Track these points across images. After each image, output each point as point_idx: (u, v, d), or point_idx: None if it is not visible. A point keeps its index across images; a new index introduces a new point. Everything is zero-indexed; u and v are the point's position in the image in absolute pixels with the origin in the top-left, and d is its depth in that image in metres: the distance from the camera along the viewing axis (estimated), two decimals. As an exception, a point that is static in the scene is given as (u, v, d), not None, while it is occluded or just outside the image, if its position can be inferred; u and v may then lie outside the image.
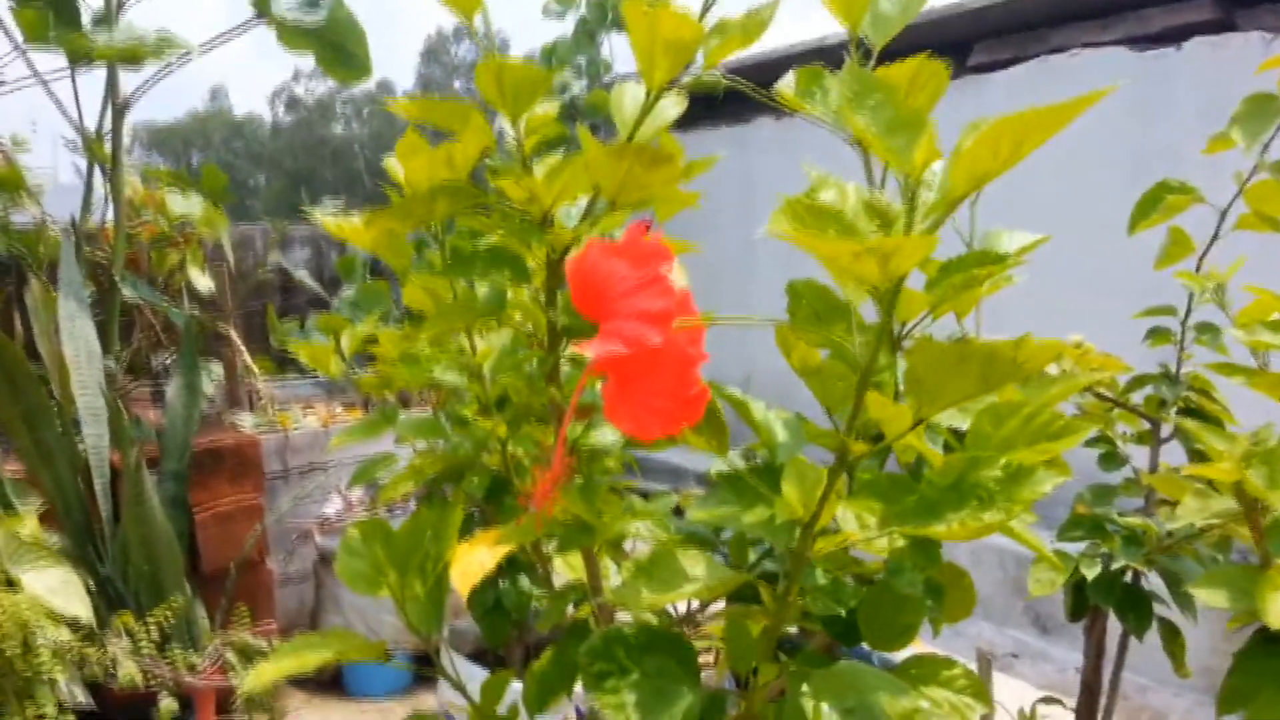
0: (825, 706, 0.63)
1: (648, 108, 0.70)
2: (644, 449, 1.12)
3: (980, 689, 0.81)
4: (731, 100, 4.01)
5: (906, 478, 0.68)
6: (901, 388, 0.80)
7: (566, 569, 0.96)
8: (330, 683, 2.33)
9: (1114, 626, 1.25)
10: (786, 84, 0.74)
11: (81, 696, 1.62)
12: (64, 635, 1.59)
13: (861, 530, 0.65)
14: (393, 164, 0.92)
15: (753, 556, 0.81)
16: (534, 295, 0.77)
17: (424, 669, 2.09)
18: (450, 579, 0.88)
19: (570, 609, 0.94)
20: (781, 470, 0.76)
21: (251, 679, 0.81)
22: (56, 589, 1.65)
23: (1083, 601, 1.21)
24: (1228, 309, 1.01)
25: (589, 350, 0.55)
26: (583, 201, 0.77)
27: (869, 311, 0.71)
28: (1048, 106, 0.47)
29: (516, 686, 0.98)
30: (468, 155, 0.79)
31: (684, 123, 0.84)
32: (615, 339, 0.55)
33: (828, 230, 0.48)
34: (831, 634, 0.84)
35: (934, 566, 0.67)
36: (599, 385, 0.86)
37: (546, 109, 0.76)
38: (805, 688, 0.64)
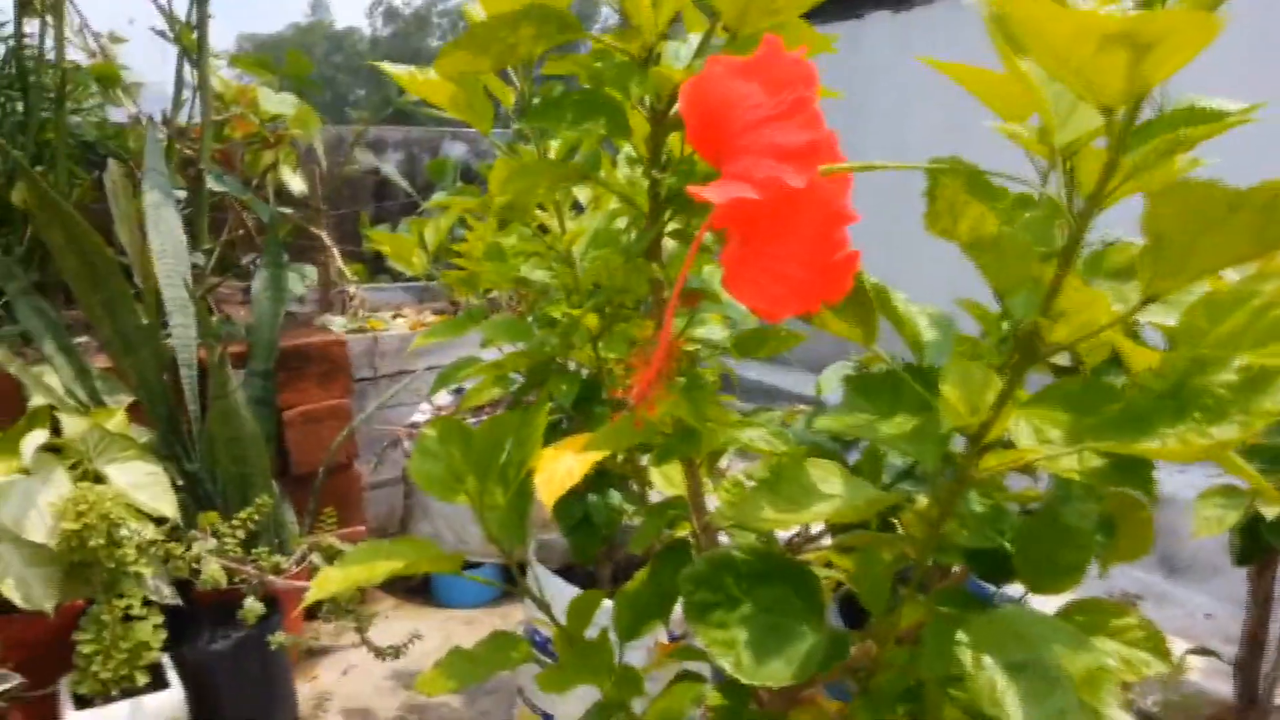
0: (988, 659, 0.50)
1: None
2: (758, 355, 0.99)
3: (1160, 642, 0.68)
4: (841, -3, 3.73)
5: (1105, 382, 0.54)
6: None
7: (664, 483, 0.85)
8: (419, 589, 2.30)
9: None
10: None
11: (168, 592, 1.60)
12: (149, 531, 1.57)
13: (1042, 445, 0.51)
14: (471, 7, 0.80)
15: (886, 478, 0.68)
16: (634, 154, 0.64)
17: (510, 584, 2.02)
18: (534, 487, 0.79)
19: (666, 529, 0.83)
20: (930, 373, 0.62)
21: (317, 587, 0.73)
22: (142, 484, 1.63)
23: (1255, 544, 1.05)
24: None
25: (709, 194, 0.42)
26: (695, 41, 0.64)
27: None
28: None
29: (608, 606, 0.88)
30: (563, -13, 0.66)
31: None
32: (743, 181, 0.42)
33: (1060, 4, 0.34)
34: (977, 571, 0.71)
35: (1147, 490, 0.53)
36: (709, 262, 0.73)
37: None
38: (963, 636, 0.52)
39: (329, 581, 0.72)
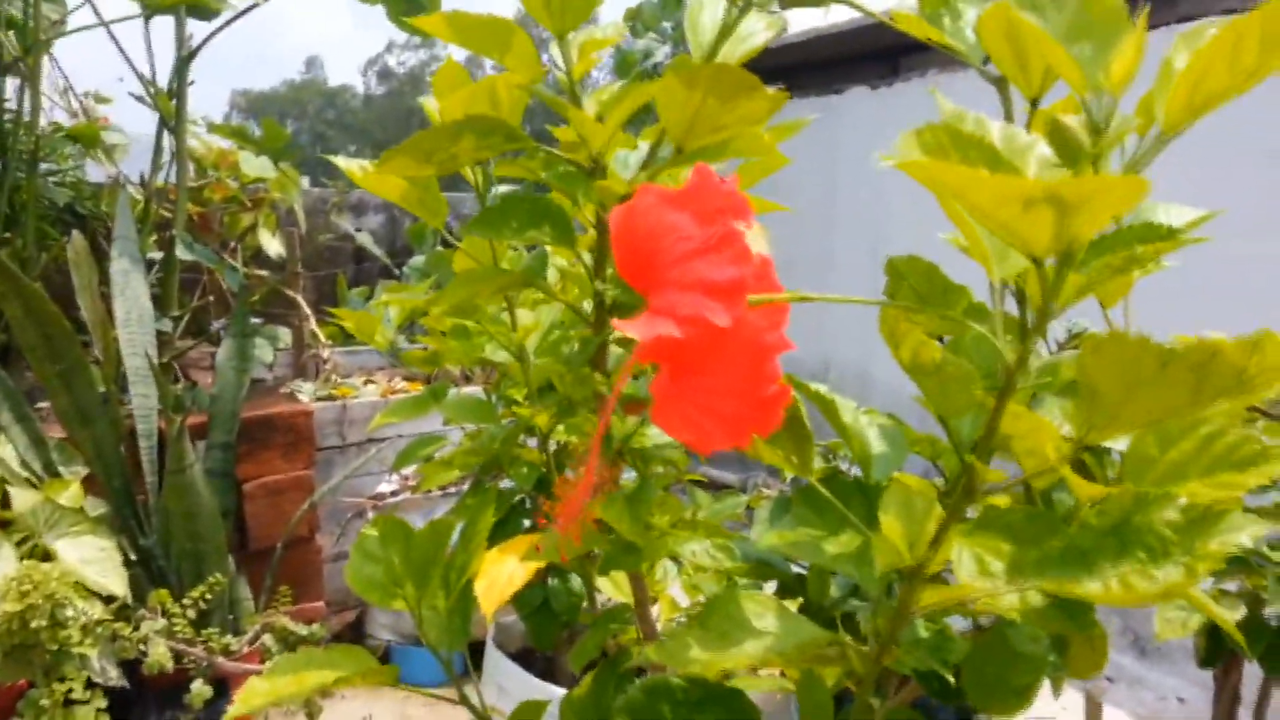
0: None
1: (730, 25, 0.55)
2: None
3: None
4: (821, 69, 3.78)
5: (1046, 513, 0.52)
6: (1034, 402, 0.65)
7: (612, 589, 0.83)
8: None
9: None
10: (907, 7, 0.59)
11: (114, 674, 1.54)
12: (96, 610, 1.52)
13: (983, 579, 0.49)
14: (429, 104, 0.79)
15: (835, 590, 0.66)
16: (581, 261, 0.63)
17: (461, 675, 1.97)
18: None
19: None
20: (877, 489, 0.61)
21: (241, 701, 0.70)
22: (92, 560, 1.58)
23: (1218, 646, 1.03)
24: None
25: (632, 330, 0.40)
26: (645, 149, 0.63)
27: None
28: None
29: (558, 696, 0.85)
30: (514, 93, 0.65)
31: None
32: (668, 316, 0.41)
33: (977, 167, 0.33)
34: (927, 689, 0.69)
35: (1084, 631, 0.52)
36: (649, 377, 0.72)
37: (606, 32, 0.62)
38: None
39: (254, 695, 0.69)
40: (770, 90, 0.50)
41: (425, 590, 0.75)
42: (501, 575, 0.75)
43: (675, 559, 1.12)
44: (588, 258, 0.62)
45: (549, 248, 0.79)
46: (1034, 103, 0.54)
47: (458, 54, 0.77)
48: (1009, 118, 0.58)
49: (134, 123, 2.83)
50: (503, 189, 0.91)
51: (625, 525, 0.61)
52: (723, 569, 0.63)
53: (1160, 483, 0.53)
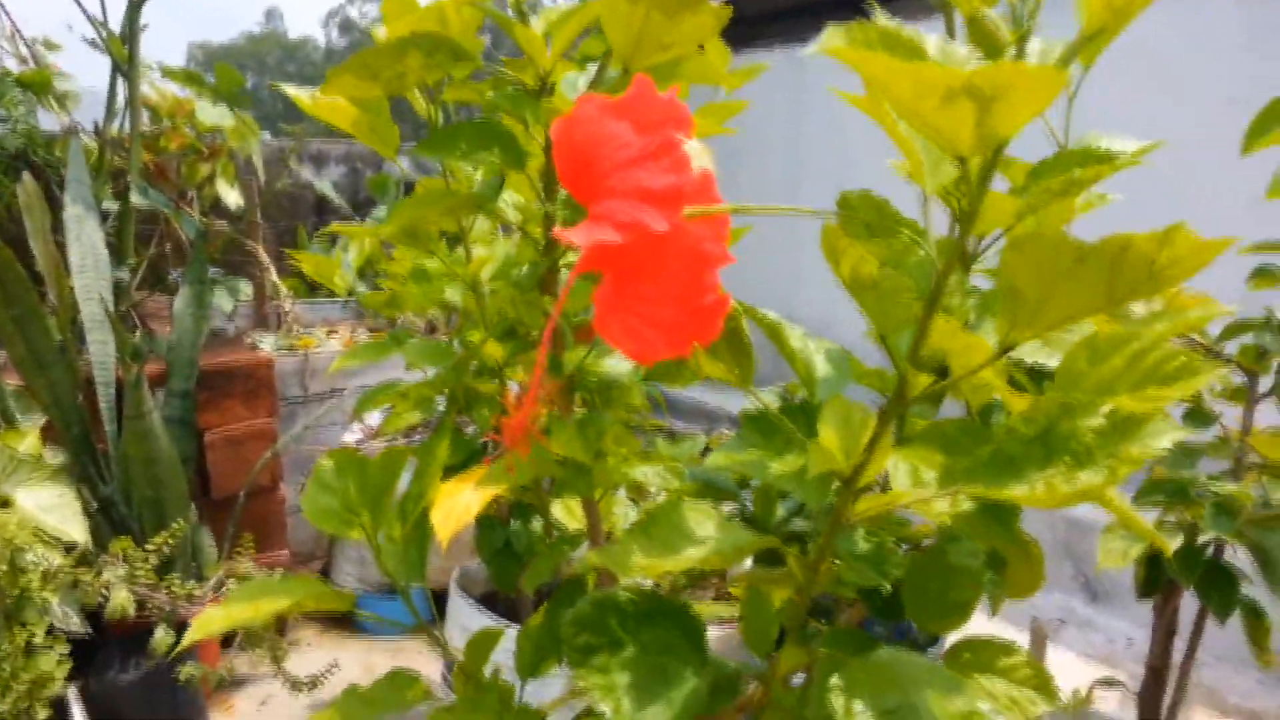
0: (859, 705, 0.50)
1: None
2: (665, 383, 0.99)
3: (1045, 681, 0.68)
4: (788, 17, 3.76)
5: (978, 425, 0.54)
6: (973, 318, 0.66)
7: (566, 516, 0.84)
8: (344, 618, 2.25)
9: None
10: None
11: (77, 621, 1.54)
12: (57, 557, 1.51)
13: (916, 488, 0.51)
14: (378, 32, 0.78)
15: (781, 512, 0.68)
16: (530, 183, 0.63)
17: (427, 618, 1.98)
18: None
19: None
20: (820, 410, 0.62)
21: (198, 626, 0.70)
22: (50, 507, 1.57)
23: (1157, 576, 1.06)
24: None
25: (572, 237, 0.41)
26: (593, 70, 0.63)
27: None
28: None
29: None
30: (465, 16, 0.65)
31: (732, 41, 0.69)
32: (607, 223, 0.41)
33: (905, 59, 0.33)
34: (870, 608, 0.71)
35: (1009, 538, 0.53)
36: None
37: (550, -47, 0.62)
38: (835, 680, 0.51)
39: (210, 621, 0.70)
40: (714, 4, 0.50)
41: (381, 518, 0.76)
42: (457, 504, 0.76)
43: (633, 499, 1.14)
44: (538, 182, 0.62)
45: (508, 183, 0.79)
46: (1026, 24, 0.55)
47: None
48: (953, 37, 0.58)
49: (87, 74, 2.75)
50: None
51: (576, 449, 0.63)
52: (672, 489, 0.64)
53: (1090, 396, 0.55)
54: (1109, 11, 0.35)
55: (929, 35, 0.44)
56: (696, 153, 0.47)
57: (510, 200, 0.81)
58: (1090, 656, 2.15)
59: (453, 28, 0.64)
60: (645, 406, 1.20)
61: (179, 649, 1.48)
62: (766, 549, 0.69)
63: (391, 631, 2.15)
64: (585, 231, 0.42)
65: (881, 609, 0.70)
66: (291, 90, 0.77)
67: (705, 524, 0.52)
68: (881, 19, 0.48)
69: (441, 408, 1.23)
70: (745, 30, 3.85)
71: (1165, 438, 0.47)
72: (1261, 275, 1.09)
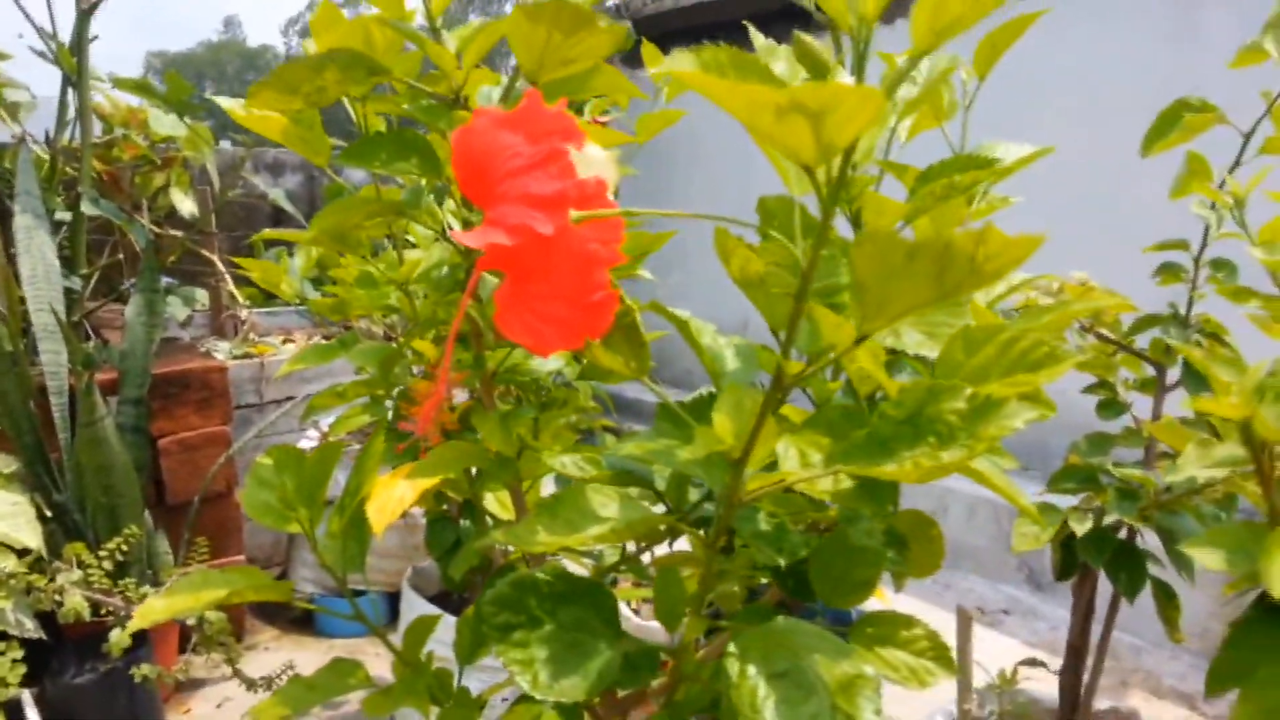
0: (751, 669, 0.54)
1: (574, -34, 0.59)
2: (605, 380, 1.03)
3: (944, 653, 0.73)
4: (701, 35, 3.82)
5: (861, 410, 0.58)
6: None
7: (499, 508, 0.88)
8: (303, 620, 2.27)
9: (1105, 586, 1.17)
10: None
11: (30, 625, 1.55)
12: (10, 563, 1.52)
13: (803, 468, 0.55)
14: (308, 46, 0.82)
15: (694, 497, 0.72)
16: (448, 191, 0.67)
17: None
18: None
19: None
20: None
21: (139, 616, 0.73)
22: (3, 514, 1.58)
23: (1072, 559, 1.12)
24: (1247, 228, 0.91)
25: (468, 240, 0.45)
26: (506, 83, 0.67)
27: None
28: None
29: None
30: (387, 35, 0.69)
31: (633, 62, 0.74)
32: (499, 226, 0.45)
33: (747, 80, 0.38)
34: (782, 588, 0.75)
35: (885, 513, 0.58)
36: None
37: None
38: (732, 647, 0.56)
39: (152, 611, 0.73)
40: (607, 24, 0.54)
41: (317, 511, 0.79)
42: (392, 497, 0.79)
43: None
44: (454, 188, 0.66)
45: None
46: (860, 44, 0.59)
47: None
48: (841, 60, 0.63)
49: (41, 82, 2.75)
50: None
51: (496, 439, 0.66)
52: (589, 477, 0.68)
53: (964, 382, 0.60)
54: (931, 34, 0.40)
55: (782, 56, 0.49)
56: (590, 161, 0.51)
57: (449, 207, 0.85)
58: (1033, 644, 2.21)
59: (377, 43, 0.68)
60: (594, 408, 1.24)
61: (124, 637, 1.50)
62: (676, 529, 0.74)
63: (350, 633, 2.17)
64: (479, 234, 0.45)
65: (795, 590, 0.75)
66: (225, 102, 0.80)
67: (609, 504, 0.56)
68: (759, 39, 0.52)
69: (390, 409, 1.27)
70: (683, 44, 3.93)
71: (1019, 418, 0.51)
72: (1166, 271, 1.15)
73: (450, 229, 0.65)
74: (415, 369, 1.07)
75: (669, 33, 3.89)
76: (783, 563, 0.62)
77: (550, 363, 0.84)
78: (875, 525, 0.68)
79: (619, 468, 0.71)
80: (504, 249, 0.46)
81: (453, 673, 0.87)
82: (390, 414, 1.24)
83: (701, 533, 0.63)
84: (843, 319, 0.51)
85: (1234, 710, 0.50)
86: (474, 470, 0.89)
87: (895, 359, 0.70)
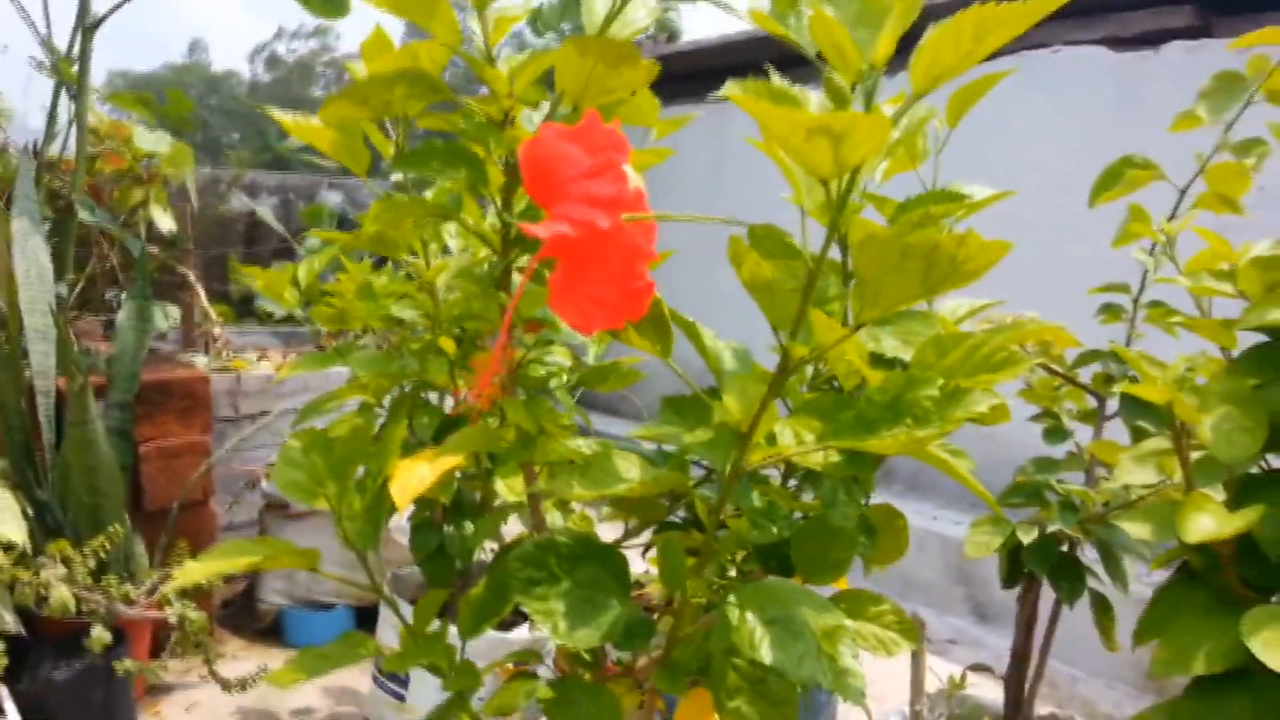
0: (750, 615, 0.63)
1: (616, 10, 0.69)
2: (596, 386, 1.11)
3: (908, 625, 0.82)
4: (715, 77, 3.99)
5: (847, 397, 0.68)
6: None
7: (508, 492, 0.96)
8: (270, 631, 2.30)
9: (1046, 604, 1.27)
10: (763, 8, 0.74)
11: (10, 620, 1.58)
12: (-5, 555, 1.56)
13: (798, 445, 0.65)
14: (356, 67, 0.91)
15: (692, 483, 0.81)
16: (490, 199, 0.76)
17: (363, 619, 2.06)
18: (389, 496, 0.88)
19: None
20: (724, 388, 0.76)
21: (181, 576, 0.80)
22: (-11, 507, 1.62)
23: (1017, 568, 1.22)
24: (1178, 262, 1.03)
25: (537, 230, 0.54)
26: (546, 107, 0.77)
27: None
28: (1013, 3, 0.47)
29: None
30: (435, 56, 0.78)
31: (663, 95, 0.84)
32: (563, 220, 0.54)
33: (780, 106, 0.47)
34: (765, 567, 0.84)
35: (868, 480, 0.68)
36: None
37: (516, 7, 0.76)
38: (733, 599, 0.64)
39: (192, 572, 0.79)
40: (646, 61, 0.64)
41: (346, 487, 0.86)
42: (413, 477, 0.87)
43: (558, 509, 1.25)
44: (498, 196, 0.75)
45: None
46: (852, 86, 0.70)
47: (354, 38, 0.89)
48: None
49: (16, 99, 2.79)
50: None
51: (522, 417, 0.75)
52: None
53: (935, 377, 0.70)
54: (928, 79, 0.50)
55: (813, 93, 0.59)
56: (631, 174, 0.60)
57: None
58: (977, 671, 2.31)
59: (425, 66, 0.78)
60: (580, 411, 1.33)
61: (104, 634, 1.54)
62: (681, 515, 0.82)
63: (317, 643, 2.20)
64: (546, 227, 0.55)
65: (777, 568, 0.84)
66: (278, 114, 0.88)
67: (631, 467, 0.65)
68: (775, 78, 0.62)
69: (381, 420, 1.34)
70: (675, 86, 4.08)
71: (983, 403, 0.61)
72: (1108, 311, 1.28)
73: (505, 227, 0.74)
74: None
75: (678, 74, 4.05)
76: (776, 531, 0.71)
77: (561, 360, 0.92)
78: (852, 510, 0.78)
79: (629, 449, 0.80)
80: (564, 241, 0.55)
81: (456, 647, 0.94)
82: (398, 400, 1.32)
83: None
84: (833, 322, 0.61)
85: (1155, 653, 0.60)
86: (483, 462, 0.97)
87: (875, 361, 0.80)
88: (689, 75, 4.06)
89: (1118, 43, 2.62)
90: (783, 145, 0.49)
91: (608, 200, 0.55)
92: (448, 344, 0.91)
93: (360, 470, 0.89)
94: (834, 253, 0.85)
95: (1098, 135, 2.69)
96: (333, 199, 4.17)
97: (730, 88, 0.49)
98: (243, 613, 2.37)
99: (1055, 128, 2.80)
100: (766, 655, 0.60)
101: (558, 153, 0.57)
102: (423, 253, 0.96)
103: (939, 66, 0.50)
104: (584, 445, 0.78)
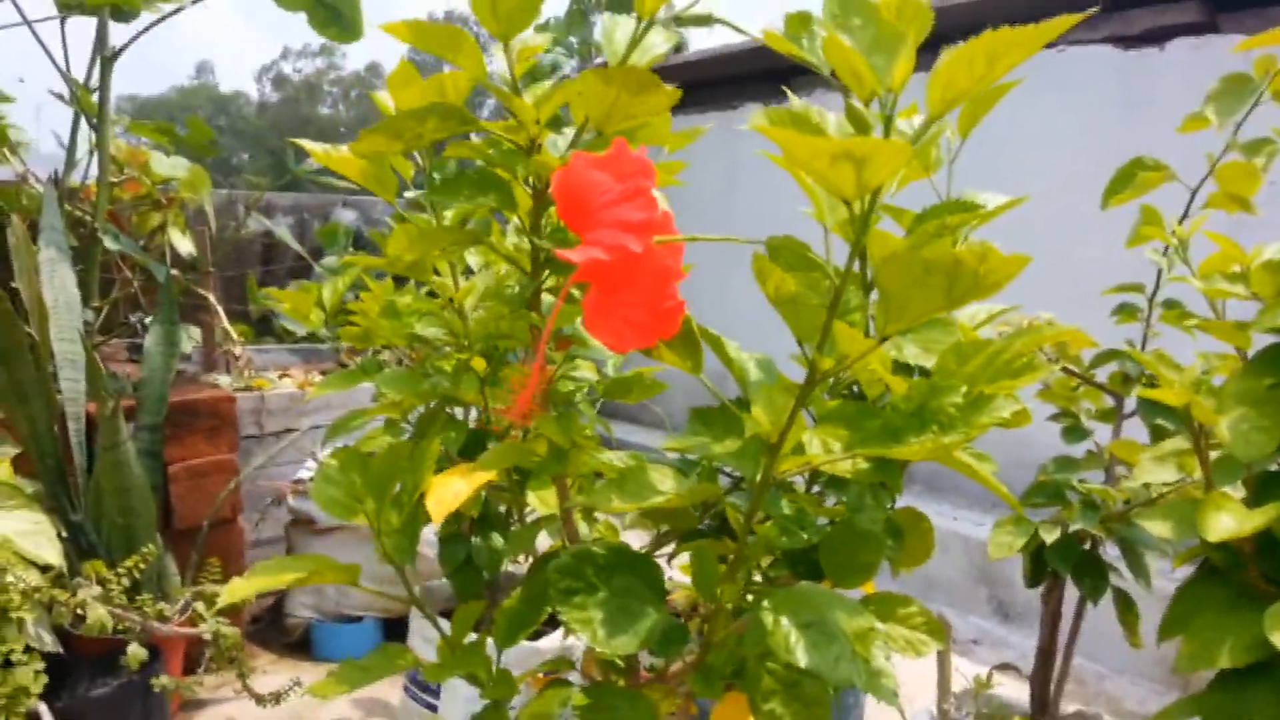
0: (785, 619, 0.65)
1: (637, 39, 0.72)
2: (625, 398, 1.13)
3: (936, 627, 0.84)
4: (720, 86, 4.02)
5: (872, 406, 0.70)
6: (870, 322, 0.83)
7: (540, 505, 0.98)
8: (299, 645, 2.33)
9: (1070, 601, 1.28)
10: (775, 29, 0.76)
11: (49, 640, 1.62)
12: (34, 578, 1.59)
13: (827, 454, 0.67)
14: (382, 98, 0.94)
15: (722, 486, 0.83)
16: (520, 224, 0.79)
17: (392, 633, 2.08)
18: (425, 510, 0.90)
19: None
20: (753, 400, 0.78)
21: (229, 593, 0.82)
22: (27, 532, 1.64)
23: (1041, 567, 1.24)
24: (1190, 263, 1.04)
25: (572, 256, 0.56)
26: (570, 134, 0.79)
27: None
28: (1023, 27, 0.49)
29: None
30: (459, 87, 0.81)
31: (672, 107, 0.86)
32: (597, 245, 0.57)
33: (807, 133, 0.50)
34: (794, 572, 0.86)
35: (894, 486, 0.70)
36: (578, 314, 0.87)
37: (539, 40, 0.78)
38: (767, 604, 0.66)
39: (239, 588, 0.82)
40: (667, 87, 0.66)
41: (383, 503, 0.89)
42: (448, 491, 0.89)
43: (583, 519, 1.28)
44: (526, 221, 0.77)
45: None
46: (867, 104, 0.72)
47: (360, 57, 0.92)
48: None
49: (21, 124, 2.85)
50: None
51: (555, 433, 0.77)
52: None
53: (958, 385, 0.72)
54: (943, 103, 0.52)
55: (829, 113, 0.62)
56: (660, 198, 0.63)
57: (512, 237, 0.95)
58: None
59: (450, 96, 0.80)
60: (603, 422, 1.35)
61: (141, 651, 1.57)
62: (710, 523, 0.85)
63: (345, 656, 2.23)
64: (580, 252, 0.57)
65: (806, 573, 0.86)
66: (309, 145, 0.91)
67: (665, 480, 0.67)
68: (795, 100, 0.65)
69: (406, 435, 1.36)
70: (682, 96, 4.12)
71: (1006, 409, 0.63)
72: (1123, 311, 1.29)
73: (535, 250, 0.77)
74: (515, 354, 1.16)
75: (686, 83, 4.10)
76: (806, 537, 0.73)
77: (588, 375, 0.95)
78: (879, 514, 0.80)
79: (660, 461, 0.83)
80: (598, 264, 0.57)
81: (490, 653, 0.97)
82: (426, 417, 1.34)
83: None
84: (857, 333, 0.63)
85: (1179, 648, 0.62)
86: (513, 476, 0.99)
87: (897, 369, 0.82)
88: (695, 84, 4.10)
89: (1123, 41, 2.64)
90: (806, 169, 0.51)
91: (638, 225, 0.57)
92: (479, 362, 0.93)
93: (396, 486, 0.92)
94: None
95: (1106, 134, 2.71)
96: (347, 217, 4.21)
97: (756, 119, 0.51)
98: (271, 627, 2.40)
99: (1063, 127, 2.82)
100: (802, 658, 0.62)
101: (589, 180, 0.59)
102: (449, 274, 0.99)
103: (953, 91, 0.52)
104: (614, 458, 0.81)
